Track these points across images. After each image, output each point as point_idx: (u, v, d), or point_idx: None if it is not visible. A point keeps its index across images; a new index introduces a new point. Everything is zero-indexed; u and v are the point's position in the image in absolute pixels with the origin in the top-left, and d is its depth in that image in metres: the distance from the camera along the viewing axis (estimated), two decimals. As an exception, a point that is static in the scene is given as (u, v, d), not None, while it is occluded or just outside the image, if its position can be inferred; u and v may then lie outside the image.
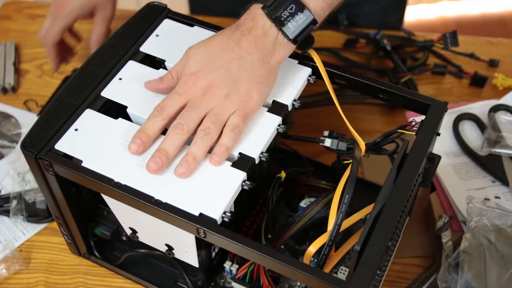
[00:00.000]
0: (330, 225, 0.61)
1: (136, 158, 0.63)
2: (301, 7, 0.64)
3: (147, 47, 0.73)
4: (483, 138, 0.90)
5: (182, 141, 0.62)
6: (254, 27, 0.64)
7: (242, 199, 0.62)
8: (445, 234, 0.76)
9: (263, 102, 0.66)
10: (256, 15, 0.65)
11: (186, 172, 0.61)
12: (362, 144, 0.67)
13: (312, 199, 0.77)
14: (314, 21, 0.65)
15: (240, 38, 0.64)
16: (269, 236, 0.76)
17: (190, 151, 0.62)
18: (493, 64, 1.05)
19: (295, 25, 0.64)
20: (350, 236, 0.67)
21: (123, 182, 0.61)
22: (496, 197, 0.84)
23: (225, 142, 0.63)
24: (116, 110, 0.68)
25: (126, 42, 0.74)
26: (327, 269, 0.63)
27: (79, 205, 0.73)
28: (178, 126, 0.62)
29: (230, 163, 0.63)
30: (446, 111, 0.66)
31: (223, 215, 0.59)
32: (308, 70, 0.71)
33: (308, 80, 0.71)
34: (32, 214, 0.86)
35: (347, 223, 0.65)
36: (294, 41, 0.65)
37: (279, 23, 0.64)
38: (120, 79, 0.70)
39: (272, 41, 0.65)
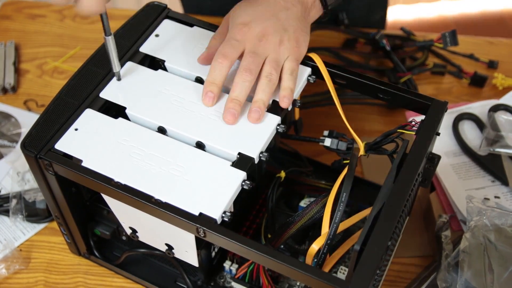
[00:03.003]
0: (325, 223, 0.61)
1: (136, 158, 0.63)
2: None
3: (147, 47, 0.73)
4: (480, 136, 0.90)
5: (250, 87, 0.66)
6: None
7: (242, 199, 0.62)
8: (445, 234, 0.76)
9: (306, 50, 0.71)
10: None
11: (260, 118, 0.65)
12: (360, 143, 0.67)
13: (312, 199, 0.77)
14: None
15: None
16: (269, 236, 0.76)
17: (259, 98, 0.66)
18: (492, 65, 1.05)
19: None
20: (349, 235, 0.67)
21: (123, 182, 0.61)
22: (495, 197, 0.84)
23: (289, 85, 0.67)
24: (116, 110, 0.68)
25: (126, 42, 0.74)
26: (326, 268, 0.63)
27: (79, 205, 0.73)
28: (246, 71, 0.66)
29: (230, 163, 0.63)
30: (446, 111, 0.66)
31: (223, 215, 0.59)
32: (307, 70, 0.71)
33: (308, 80, 0.71)
34: (32, 213, 0.86)
35: (346, 224, 0.65)
36: (325, 6, 0.72)
37: None
38: (119, 80, 0.70)
39: (312, 2, 0.71)
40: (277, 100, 0.68)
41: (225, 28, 0.71)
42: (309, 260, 0.62)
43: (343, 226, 0.64)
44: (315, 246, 0.61)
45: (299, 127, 0.79)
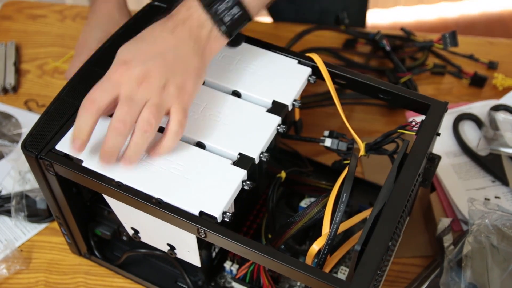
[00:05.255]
0: (326, 224, 0.61)
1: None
2: (237, 2, 0.63)
3: (147, 47, 0.73)
4: (480, 136, 0.90)
5: (124, 140, 0.59)
6: (189, 18, 0.62)
7: (242, 199, 0.62)
8: (446, 238, 0.76)
9: (195, 95, 0.64)
10: (191, 7, 0.62)
11: (129, 164, 0.60)
12: (360, 143, 0.68)
13: (312, 199, 0.77)
14: (248, 17, 0.64)
15: (174, 27, 0.62)
16: (269, 236, 0.76)
17: (129, 154, 0.60)
18: (492, 66, 1.05)
19: (230, 20, 0.63)
20: (350, 236, 0.68)
21: (123, 182, 0.61)
22: (496, 197, 0.84)
23: (168, 145, 0.61)
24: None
25: (126, 42, 0.74)
26: (326, 269, 0.63)
27: (80, 205, 0.73)
28: (119, 123, 0.58)
29: (231, 162, 0.63)
30: (446, 111, 0.66)
31: (224, 215, 0.59)
32: (308, 70, 0.71)
33: (308, 80, 0.71)
34: (33, 214, 0.86)
35: (347, 224, 0.65)
36: (228, 35, 0.64)
37: (215, 16, 0.62)
38: None
39: (207, 34, 0.63)
40: (278, 100, 0.68)
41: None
42: (309, 260, 0.62)
43: (343, 226, 0.64)
44: (316, 247, 0.61)
45: (299, 128, 0.80)
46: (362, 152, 0.68)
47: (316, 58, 0.70)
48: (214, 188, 0.60)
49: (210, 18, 0.62)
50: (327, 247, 0.60)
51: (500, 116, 0.90)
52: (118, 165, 0.62)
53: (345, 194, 0.61)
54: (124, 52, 0.61)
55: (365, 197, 0.81)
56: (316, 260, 0.62)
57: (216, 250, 0.75)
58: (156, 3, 0.79)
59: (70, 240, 0.79)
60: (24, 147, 0.64)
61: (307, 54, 0.71)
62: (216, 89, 0.69)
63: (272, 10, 1.24)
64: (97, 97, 0.59)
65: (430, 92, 1.03)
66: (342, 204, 0.60)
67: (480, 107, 0.95)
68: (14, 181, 0.89)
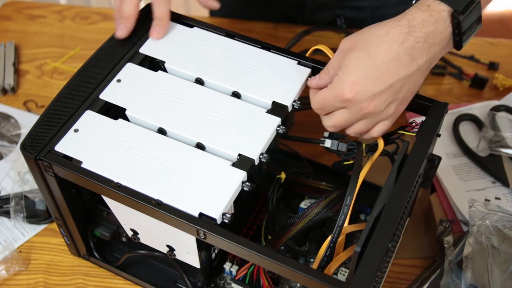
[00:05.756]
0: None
1: (136, 159, 0.63)
2: (480, 19, 0.59)
3: (146, 48, 0.73)
4: (480, 137, 0.90)
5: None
6: (433, 35, 0.57)
7: (242, 200, 0.62)
8: (447, 239, 0.75)
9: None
10: (440, 20, 0.56)
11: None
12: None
13: (312, 200, 0.77)
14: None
15: (412, 47, 0.57)
16: (269, 237, 0.76)
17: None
18: (492, 67, 1.05)
19: (468, 36, 0.59)
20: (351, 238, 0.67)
21: (123, 183, 0.61)
22: (496, 198, 0.83)
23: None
24: (116, 111, 0.68)
25: (126, 43, 0.74)
26: (329, 272, 0.63)
27: (79, 206, 0.73)
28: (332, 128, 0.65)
29: (230, 163, 0.63)
30: (446, 112, 0.66)
31: (223, 216, 0.59)
32: (308, 71, 0.71)
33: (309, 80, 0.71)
34: (32, 215, 0.86)
35: (347, 229, 0.64)
36: (459, 46, 0.60)
37: (463, 35, 0.58)
38: (119, 80, 0.70)
39: (442, 49, 0.59)
40: (278, 101, 0.67)
41: (339, 59, 0.62)
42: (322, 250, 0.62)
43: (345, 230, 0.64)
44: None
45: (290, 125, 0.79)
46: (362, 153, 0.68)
47: (325, 49, 0.69)
48: (213, 190, 0.60)
49: (453, 37, 0.58)
50: (329, 249, 0.60)
51: (501, 116, 0.90)
52: (117, 166, 0.62)
53: (349, 197, 0.61)
54: (355, 72, 0.58)
55: (365, 198, 0.81)
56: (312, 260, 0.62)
57: (216, 251, 0.75)
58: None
59: (69, 241, 0.79)
60: (23, 148, 0.64)
61: (316, 47, 0.70)
62: (216, 90, 0.69)
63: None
64: (324, 106, 0.64)
65: (430, 93, 1.02)
66: (345, 207, 0.60)
67: (480, 108, 0.95)
68: (13, 182, 0.89)
